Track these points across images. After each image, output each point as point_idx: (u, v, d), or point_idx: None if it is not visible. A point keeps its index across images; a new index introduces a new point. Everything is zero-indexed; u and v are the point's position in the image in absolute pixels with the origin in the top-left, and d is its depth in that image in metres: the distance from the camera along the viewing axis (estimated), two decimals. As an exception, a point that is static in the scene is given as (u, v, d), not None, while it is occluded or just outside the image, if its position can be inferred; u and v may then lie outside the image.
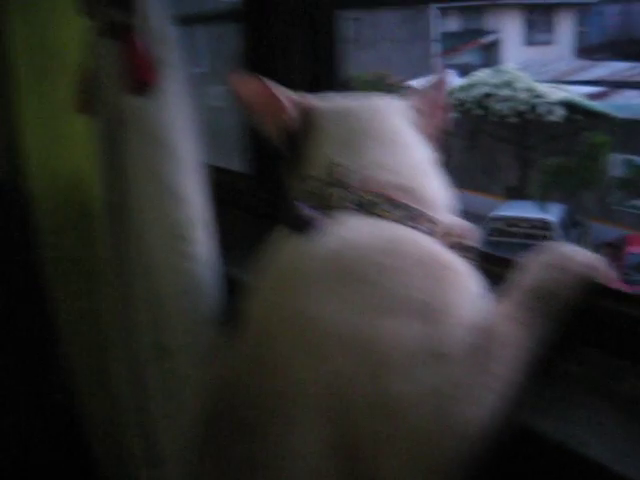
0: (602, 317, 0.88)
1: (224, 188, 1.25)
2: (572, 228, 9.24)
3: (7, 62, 1.71)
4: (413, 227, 0.85)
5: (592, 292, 0.86)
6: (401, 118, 0.96)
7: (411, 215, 0.86)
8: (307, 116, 0.97)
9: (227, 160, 1.68)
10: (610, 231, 9.93)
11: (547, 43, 17.44)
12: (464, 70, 12.37)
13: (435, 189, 0.93)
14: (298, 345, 0.78)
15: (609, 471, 0.72)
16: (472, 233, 0.94)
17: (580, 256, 0.87)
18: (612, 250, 9.38)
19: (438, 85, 1.02)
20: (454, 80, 13.01)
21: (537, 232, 8.50)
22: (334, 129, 0.95)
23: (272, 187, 1.39)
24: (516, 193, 10.50)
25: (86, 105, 1.25)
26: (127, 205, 1.20)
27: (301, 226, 0.86)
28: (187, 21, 1.21)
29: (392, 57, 12.24)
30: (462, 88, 12.32)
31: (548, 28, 17.52)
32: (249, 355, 0.83)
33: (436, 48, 16.43)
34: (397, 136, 0.94)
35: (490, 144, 11.42)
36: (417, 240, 0.84)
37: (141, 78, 1.11)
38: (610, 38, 15.43)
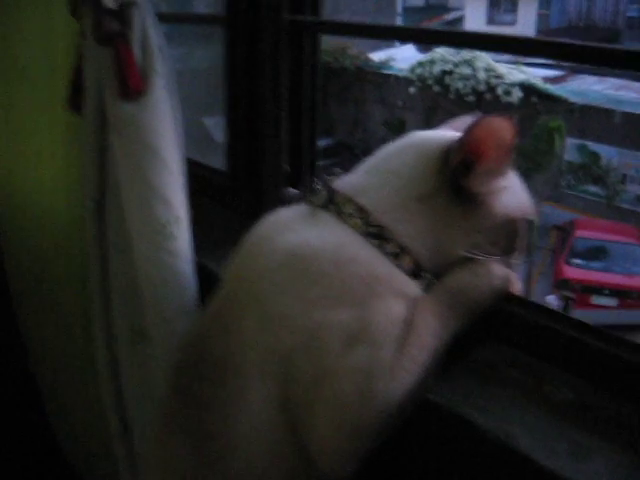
0: (534, 329, 1.02)
1: (200, 182, 1.34)
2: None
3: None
4: (368, 240, 0.96)
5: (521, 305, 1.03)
6: (431, 161, 0.99)
7: (369, 230, 0.96)
8: None
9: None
10: (561, 214, 10.22)
11: (510, 23, 17.61)
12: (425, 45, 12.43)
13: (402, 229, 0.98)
14: (254, 318, 0.95)
15: (533, 462, 0.85)
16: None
17: (497, 269, 1.00)
18: (561, 233, 9.66)
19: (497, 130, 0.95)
20: (414, 55, 13.08)
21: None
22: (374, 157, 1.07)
23: (247, 184, 1.50)
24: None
25: (77, 106, 1.32)
26: (114, 204, 1.29)
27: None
28: (170, 20, 1.29)
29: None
30: (422, 64, 12.41)
31: (512, 8, 17.69)
32: (213, 318, 1.02)
33: (399, 22, 16.39)
34: (404, 174, 1.00)
35: (445, 121, 11.54)
36: (360, 255, 0.95)
37: (131, 85, 1.18)
38: (570, 22, 15.63)
